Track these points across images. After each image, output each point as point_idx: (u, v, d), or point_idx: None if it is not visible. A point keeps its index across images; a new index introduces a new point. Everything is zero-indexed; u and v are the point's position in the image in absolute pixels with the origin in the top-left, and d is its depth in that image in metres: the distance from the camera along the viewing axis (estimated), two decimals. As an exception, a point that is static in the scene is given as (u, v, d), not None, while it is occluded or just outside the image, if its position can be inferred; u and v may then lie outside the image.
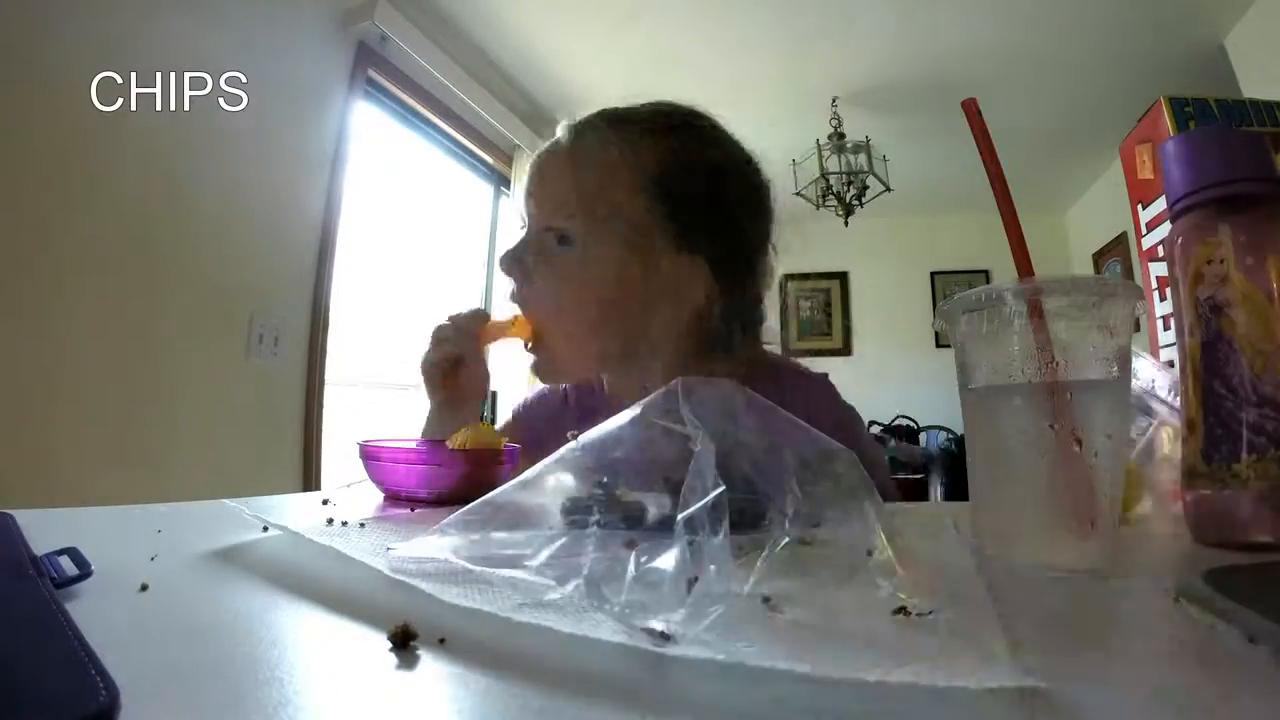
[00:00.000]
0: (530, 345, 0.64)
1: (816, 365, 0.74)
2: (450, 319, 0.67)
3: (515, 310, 0.65)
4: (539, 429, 0.75)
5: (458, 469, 0.48)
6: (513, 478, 0.30)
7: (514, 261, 0.63)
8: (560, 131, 0.64)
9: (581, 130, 0.63)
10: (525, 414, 0.79)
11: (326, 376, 1.77)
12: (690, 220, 0.61)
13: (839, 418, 0.67)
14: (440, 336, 0.66)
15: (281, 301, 1.64)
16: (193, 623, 0.22)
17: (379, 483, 0.51)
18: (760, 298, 0.68)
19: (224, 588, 0.26)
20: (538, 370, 0.65)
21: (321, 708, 0.15)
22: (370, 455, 0.50)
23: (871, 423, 3.15)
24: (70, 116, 1.19)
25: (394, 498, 0.49)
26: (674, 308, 0.62)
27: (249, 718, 0.15)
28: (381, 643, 0.19)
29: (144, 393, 1.32)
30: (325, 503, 0.46)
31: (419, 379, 0.68)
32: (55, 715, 0.14)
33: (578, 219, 0.60)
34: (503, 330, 0.65)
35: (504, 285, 0.67)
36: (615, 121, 0.64)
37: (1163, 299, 0.56)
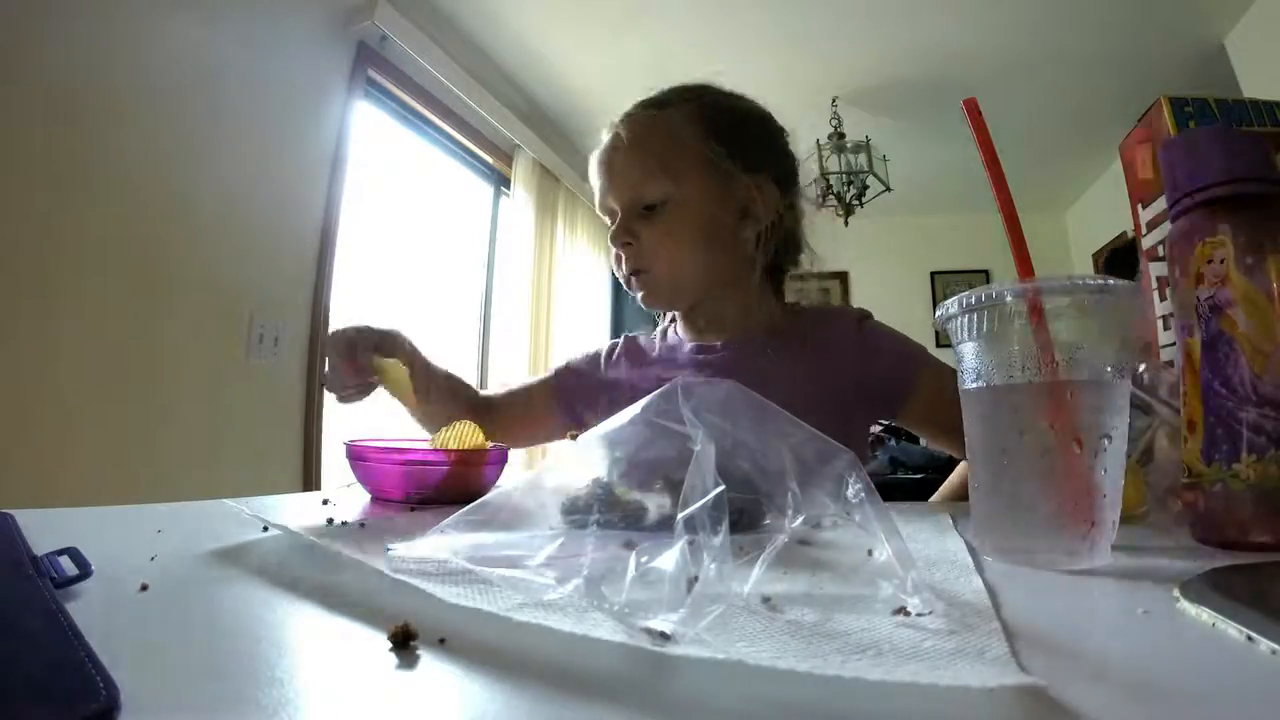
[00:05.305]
0: (636, 278, 0.72)
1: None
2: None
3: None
4: (596, 376, 0.81)
5: (441, 468, 0.48)
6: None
7: (624, 230, 0.71)
8: (607, 132, 0.73)
9: (627, 119, 0.73)
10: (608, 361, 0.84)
11: (326, 376, 1.77)
12: (746, 147, 0.72)
13: (906, 341, 0.76)
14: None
15: (281, 301, 1.63)
16: (193, 623, 0.22)
17: (365, 483, 0.50)
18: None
19: (224, 588, 0.26)
20: (645, 296, 0.73)
21: (321, 708, 0.15)
22: (356, 455, 0.49)
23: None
24: (70, 116, 1.19)
25: (379, 499, 0.49)
26: (752, 226, 0.72)
27: (249, 718, 0.15)
28: (381, 643, 0.19)
29: (144, 393, 1.32)
30: (325, 503, 0.46)
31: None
32: (55, 715, 0.14)
33: (660, 180, 0.69)
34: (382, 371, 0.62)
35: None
36: (652, 104, 0.74)
37: (1163, 299, 0.56)
